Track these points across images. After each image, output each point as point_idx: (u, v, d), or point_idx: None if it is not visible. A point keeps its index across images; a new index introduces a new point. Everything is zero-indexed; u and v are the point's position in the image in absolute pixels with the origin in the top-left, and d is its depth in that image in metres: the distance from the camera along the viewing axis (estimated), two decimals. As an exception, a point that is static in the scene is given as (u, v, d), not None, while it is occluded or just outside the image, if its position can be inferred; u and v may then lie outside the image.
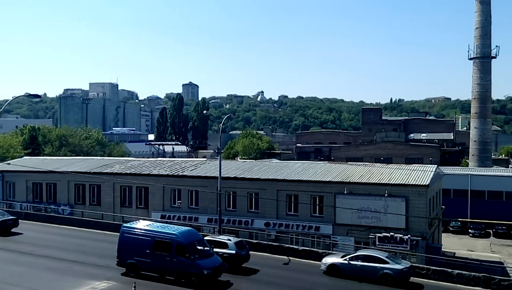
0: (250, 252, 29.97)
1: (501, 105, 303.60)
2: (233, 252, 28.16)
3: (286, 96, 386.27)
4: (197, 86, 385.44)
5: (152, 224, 28.27)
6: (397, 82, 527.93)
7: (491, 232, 55.43)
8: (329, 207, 37.41)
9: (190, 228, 28.33)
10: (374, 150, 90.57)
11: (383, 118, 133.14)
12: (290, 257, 32.07)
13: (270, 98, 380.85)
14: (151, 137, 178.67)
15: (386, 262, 27.14)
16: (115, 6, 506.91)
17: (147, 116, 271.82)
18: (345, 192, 37.06)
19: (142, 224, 27.10)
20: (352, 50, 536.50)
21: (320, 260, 29.95)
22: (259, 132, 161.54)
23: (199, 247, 25.46)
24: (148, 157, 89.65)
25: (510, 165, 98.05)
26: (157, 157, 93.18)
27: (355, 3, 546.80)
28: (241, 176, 41.46)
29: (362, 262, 27.61)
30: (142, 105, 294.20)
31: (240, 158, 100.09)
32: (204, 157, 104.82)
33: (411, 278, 28.04)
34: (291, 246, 34.08)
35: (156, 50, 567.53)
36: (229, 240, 29.13)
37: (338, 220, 37.23)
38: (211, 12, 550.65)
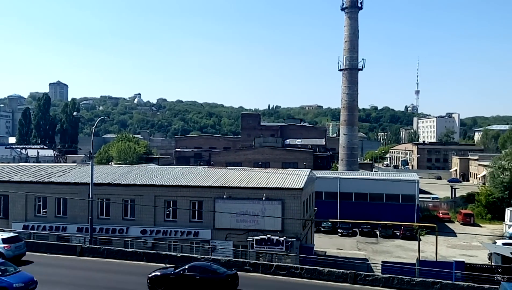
0: (122, 261, 27.96)
1: (366, 114, 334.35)
2: None
3: (165, 100, 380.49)
4: (67, 86, 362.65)
5: None
6: (275, 89, 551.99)
7: (358, 231, 59.42)
8: (209, 212, 37.04)
9: None
10: (252, 155, 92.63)
11: (261, 123, 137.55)
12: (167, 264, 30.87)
13: (148, 101, 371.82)
14: (12, 140, 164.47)
15: None
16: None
17: (8, 117, 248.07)
18: (224, 196, 36.99)
19: None
20: (231, 56, 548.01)
21: None
22: (136, 136, 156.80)
23: None
24: (9, 162, 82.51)
25: (374, 169, 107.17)
26: (19, 162, 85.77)
27: (238, 10, 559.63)
28: (115, 182, 39.44)
29: None
30: (2, 105, 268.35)
31: (115, 163, 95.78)
32: (74, 162, 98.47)
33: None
34: (169, 253, 32.96)
35: (19, 44, 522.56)
36: None
37: (217, 225, 37.04)
38: (82, 8, 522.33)
